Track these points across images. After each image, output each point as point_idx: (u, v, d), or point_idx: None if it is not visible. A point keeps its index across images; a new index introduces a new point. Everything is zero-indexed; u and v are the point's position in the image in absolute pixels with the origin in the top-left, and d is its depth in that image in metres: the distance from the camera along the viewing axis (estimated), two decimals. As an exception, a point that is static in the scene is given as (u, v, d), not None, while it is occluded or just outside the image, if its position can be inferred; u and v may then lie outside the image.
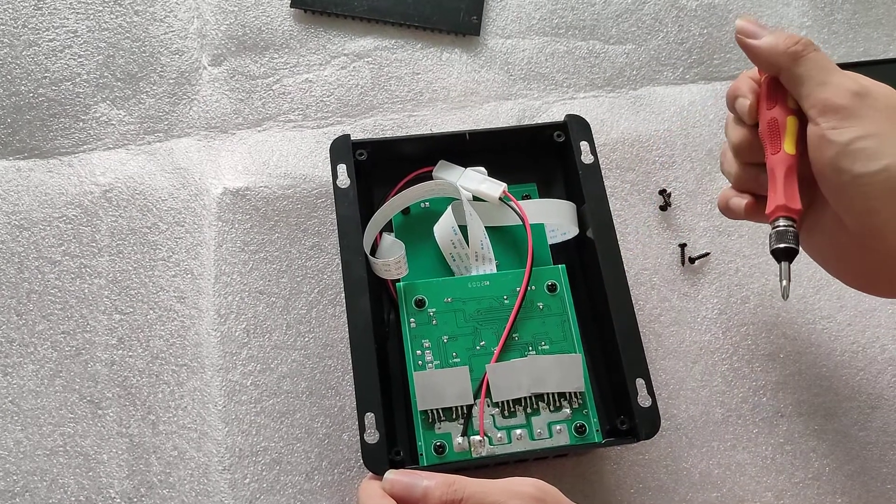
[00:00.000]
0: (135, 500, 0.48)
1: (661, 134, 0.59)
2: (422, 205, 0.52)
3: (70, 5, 0.60)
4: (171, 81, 0.58)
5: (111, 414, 0.50)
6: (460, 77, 0.60)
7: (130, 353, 0.51)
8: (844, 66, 0.60)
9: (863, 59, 0.61)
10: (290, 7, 0.60)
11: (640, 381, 0.46)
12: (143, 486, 0.48)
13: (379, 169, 0.52)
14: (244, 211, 0.54)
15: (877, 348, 0.53)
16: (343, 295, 0.52)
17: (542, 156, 0.54)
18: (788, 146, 0.41)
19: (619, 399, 0.47)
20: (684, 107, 0.60)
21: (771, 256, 0.41)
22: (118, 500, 0.48)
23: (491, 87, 0.59)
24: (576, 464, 0.50)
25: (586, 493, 0.49)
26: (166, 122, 0.57)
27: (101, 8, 0.59)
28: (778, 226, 0.40)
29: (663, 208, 0.56)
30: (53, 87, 0.57)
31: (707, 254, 0.55)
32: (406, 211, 0.52)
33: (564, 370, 0.46)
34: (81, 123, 0.57)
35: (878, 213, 0.37)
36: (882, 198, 0.37)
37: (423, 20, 0.60)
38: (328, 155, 0.50)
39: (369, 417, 0.44)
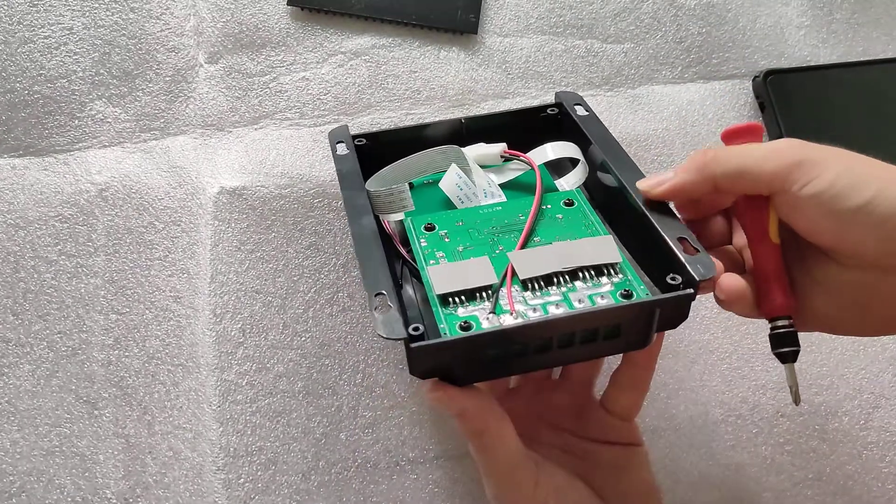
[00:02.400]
0: (130, 500, 0.48)
1: (660, 133, 0.58)
2: (425, 181, 0.51)
3: (66, 2, 0.59)
4: (168, 79, 0.58)
5: (107, 414, 0.49)
6: (458, 75, 0.59)
7: (127, 354, 0.51)
8: (847, 66, 0.60)
9: (862, 59, 0.61)
10: (287, 5, 0.59)
11: (683, 240, 0.39)
12: (138, 486, 0.48)
13: (376, 161, 0.51)
14: (240, 210, 0.54)
15: (878, 347, 0.53)
16: (340, 294, 0.52)
17: (538, 139, 0.53)
18: (773, 234, 0.39)
19: (663, 262, 0.40)
20: (683, 106, 0.59)
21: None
22: (114, 501, 0.47)
23: (488, 86, 0.59)
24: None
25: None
26: (162, 120, 0.57)
27: (96, 5, 0.59)
28: (777, 327, 0.39)
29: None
30: (49, 85, 0.57)
31: (706, 253, 0.55)
32: (409, 186, 0.50)
33: (597, 247, 0.40)
34: (77, 121, 0.57)
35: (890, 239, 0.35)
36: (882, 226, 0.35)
37: (421, 18, 0.60)
38: (325, 152, 0.50)
39: (380, 298, 0.37)
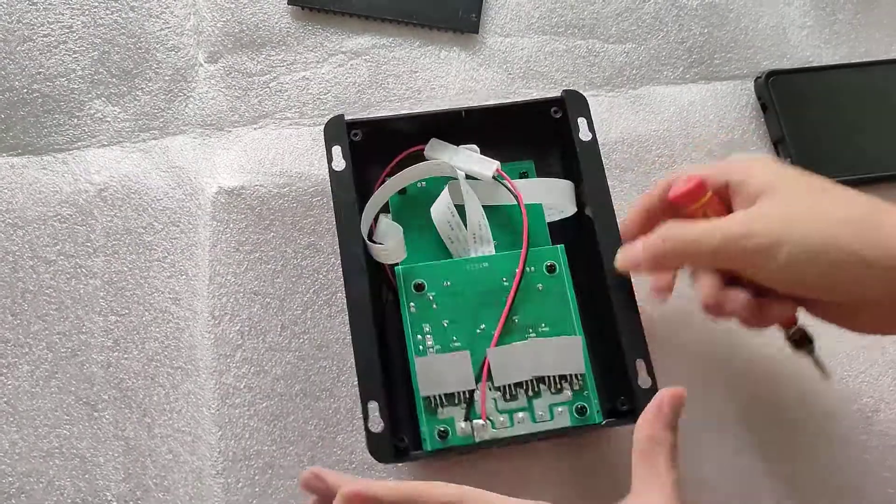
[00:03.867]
0: (130, 503, 0.48)
1: (661, 134, 0.58)
2: (418, 185, 0.51)
3: (65, 1, 0.59)
4: (167, 78, 0.58)
5: (107, 416, 0.49)
6: (459, 75, 0.59)
7: (126, 356, 0.51)
8: (849, 67, 0.60)
9: (865, 60, 0.61)
10: (288, 4, 0.59)
11: (639, 363, 0.46)
12: (138, 489, 0.48)
13: (373, 149, 0.51)
14: (239, 210, 0.54)
15: (877, 351, 0.53)
16: (338, 295, 0.52)
17: (540, 133, 0.54)
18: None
19: (620, 380, 0.47)
20: (684, 107, 0.59)
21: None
22: (114, 503, 0.48)
23: (489, 86, 0.59)
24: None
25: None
26: (161, 120, 0.57)
27: (96, 4, 0.59)
28: (790, 333, 0.46)
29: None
30: (48, 83, 0.57)
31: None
32: (402, 191, 0.51)
33: (564, 353, 0.46)
34: (76, 120, 0.56)
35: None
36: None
37: (422, 18, 0.59)
38: (323, 151, 0.49)
39: (373, 406, 0.43)
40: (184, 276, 0.52)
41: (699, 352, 0.53)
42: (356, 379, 0.50)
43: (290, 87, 0.58)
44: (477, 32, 0.60)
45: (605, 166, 0.50)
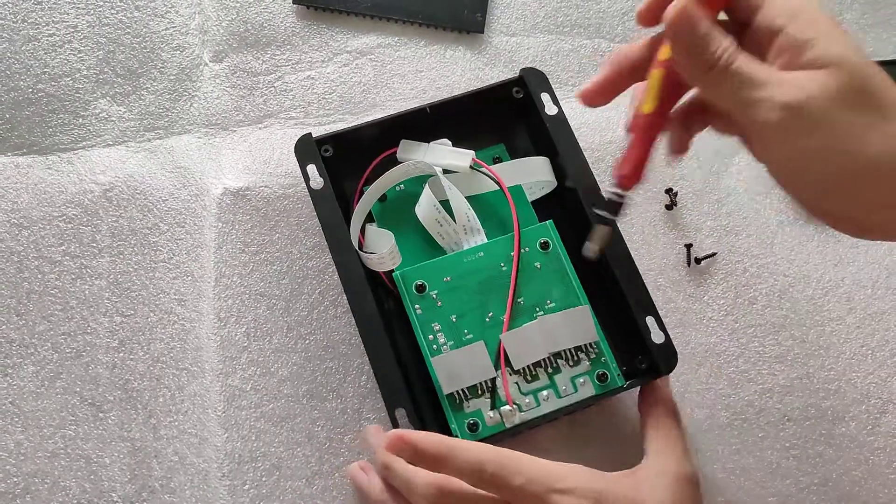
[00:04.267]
0: (136, 504, 0.48)
1: (668, 133, 0.58)
2: (397, 188, 0.51)
3: (70, 0, 0.59)
4: (172, 78, 0.58)
5: (112, 417, 0.49)
6: (464, 75, 0.59)
7: (131, 357, 0.51)
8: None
9: (872, 60, 0.60)
10: (293, 3, 0.59)
11: (649, 319, 0.47)
12: (144, 490, 0.48)
13: (346, 161, 0.51)
14: (244, 211, 0.53)
15: (886, 352, 0.53)
16: (343, 296, 0.52)
17: (505, 116, 0.54)
18: (649, 102, 0.37)
19: (633, 339, 0.48)
20: (691, 105, 0.59)
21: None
22: (119, 504, 0.48)
23: (495, 85, 0.59)
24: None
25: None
26: (167, 119, 0.57)
27: (101, 3, 0.59)
28: (612, 193, 0.39)
29: (669, 207, 0.56)
30: (53, 83, 0.57)
31: (714, 254, 0.55)
32: (383, 198, 0.51)
33: (575, 324, 0.47)
34: (81, 120, 0.56)
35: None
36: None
37: (427, 17, 0.59)
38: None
39: (400, 413, 0.44)
40: (189, 278, 0.52)
41: (704, 353, 0.52)
42: (363, 379, 0.50)
43: (295, 86, 0.58)
44: (482, 32, 0.60)
45: (611, 164, 0.50)
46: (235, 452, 0.48)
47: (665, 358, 0.46)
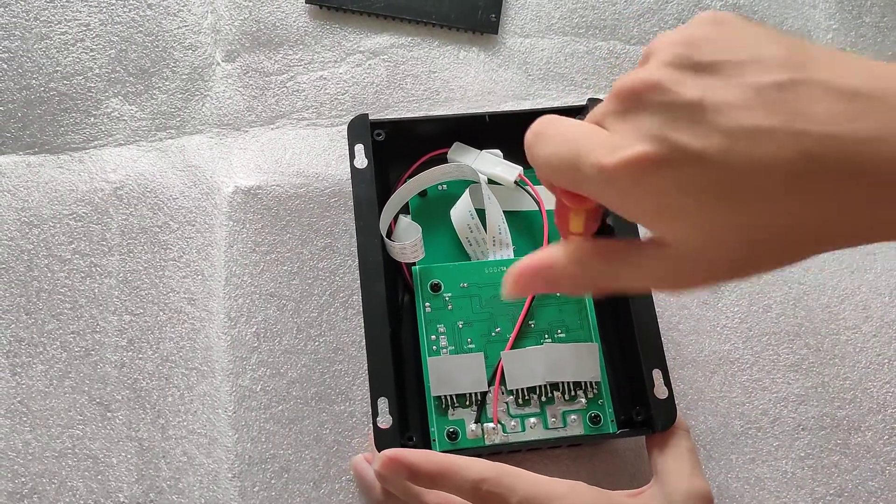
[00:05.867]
0: (143, 504, 0.47)
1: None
2: (439, 187, 0.52)
3: (83, -2, 0.59)
4: (184, 77, 0.57)
5: (121, 417, 0.49)
6: (477, 76, 0.58)
7: (140, 356, 0.50)
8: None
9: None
10: (306, 3, 0.59)
11: (656, 372, 0.45)
12: (152, 490, 0.47)
13: (395, 149, 0.51)
14: (255, 210, 0.53)
15: (902, 361, 0.52)
16: (354, 297, 0.51)
17: None
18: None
19: (635, 389, 0.47)
20: (707, 109, 0.58)
21: None
22: (126, 505, 0.47)
23: (508, 87, 0.58)
24: (591, 455, 0.49)
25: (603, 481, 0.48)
26: (178, 119, 0.56)
27: (114, 1, 0.58)
28: None
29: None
30: (65, 82, 0.57)
31: (728, 261, 0.54)
32: (423, 193, 0.51)
33: (581, 359, 0.46)
34: (92, 119, 0.56)
35: None
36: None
37: (441, 18, 0.59)
38: (342, 151, 0.49)
39: (382, 402, 0.43)
40: (199, 277, 0.52)
41: (718, 361, 0.52)
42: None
43: (307, 86, 0.58)
44: (496, 33, 0.59)
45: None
46: (246, 454, 0.48)
47: (664, 415, 0.44)
